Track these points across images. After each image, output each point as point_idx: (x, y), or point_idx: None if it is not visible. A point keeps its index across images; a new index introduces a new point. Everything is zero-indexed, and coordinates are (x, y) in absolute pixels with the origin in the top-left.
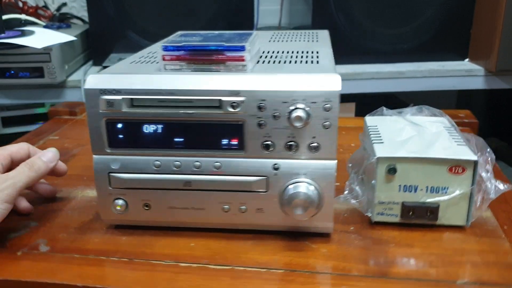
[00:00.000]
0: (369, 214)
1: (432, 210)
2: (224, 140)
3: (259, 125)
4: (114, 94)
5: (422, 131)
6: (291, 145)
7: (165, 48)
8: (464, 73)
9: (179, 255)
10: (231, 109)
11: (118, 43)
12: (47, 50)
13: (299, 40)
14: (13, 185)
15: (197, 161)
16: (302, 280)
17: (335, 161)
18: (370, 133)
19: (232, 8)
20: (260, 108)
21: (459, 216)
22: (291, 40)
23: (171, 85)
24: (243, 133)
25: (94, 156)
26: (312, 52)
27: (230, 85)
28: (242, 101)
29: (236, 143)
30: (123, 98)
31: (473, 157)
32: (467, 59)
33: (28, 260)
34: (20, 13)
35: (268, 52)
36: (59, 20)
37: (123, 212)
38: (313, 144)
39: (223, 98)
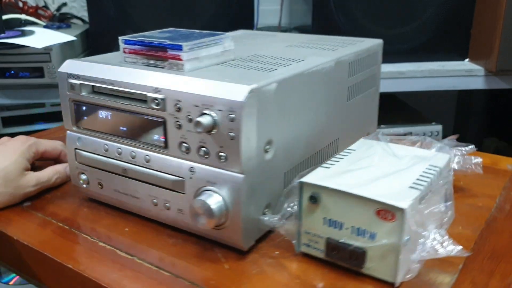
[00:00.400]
0: (294, 243)
1: (358, 255)
2: (153, 135)
3: (178, 125)
4: (76, 79)
5: (387, 164)
6: (203, 150)
7: (125, 42)
8: (464, 73)
9: (108, 235)
10: (154, 106)
11: (118, 43)
12: (47, 50)
13: (317, 48)
14: (36, 190)
15: (133, 152)
16: None
17: (242, 176)
18: (336, 156)
19: (232, 8)
20: (177, 108)
21: (388, 270)
22: (308, 47)
23: (114, 76)
24: (166, 131)
25: (67, 132)
26: (293, 60)
27: (154, 82)
28: (162, 99)
29: (162, 140)
30: (80, 83)
31: (402, 204)
32: (467, 59)
33: (6, 211)
34: (20, 13)
35: (253, 56)
36: (59, 20)
37: (86, 186)
38: (221, 154)
39: (148, 94)
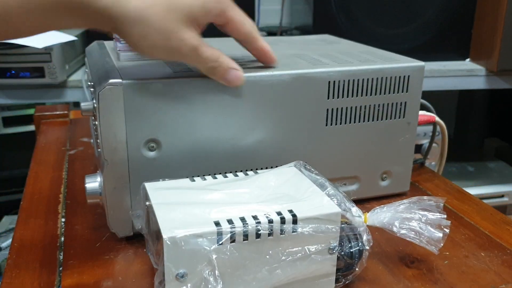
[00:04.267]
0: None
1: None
2: None
3: None
4: None
5: (240, 192)
6: (94, 134)
7: (118, 39)
8: (465, 73)
9: None
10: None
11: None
12: (47, 50)
13: (307, 60)
14: (189, 57)
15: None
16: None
17: (105, 163)
18: (226, 174)
19: None
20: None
21: None
22: (302, 58)
23: None
24: None
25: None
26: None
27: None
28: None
29: None
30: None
31: (168, 233)
32: (468, 59)
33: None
34: None
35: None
36: None
37: None
38: (98, 140)
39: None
